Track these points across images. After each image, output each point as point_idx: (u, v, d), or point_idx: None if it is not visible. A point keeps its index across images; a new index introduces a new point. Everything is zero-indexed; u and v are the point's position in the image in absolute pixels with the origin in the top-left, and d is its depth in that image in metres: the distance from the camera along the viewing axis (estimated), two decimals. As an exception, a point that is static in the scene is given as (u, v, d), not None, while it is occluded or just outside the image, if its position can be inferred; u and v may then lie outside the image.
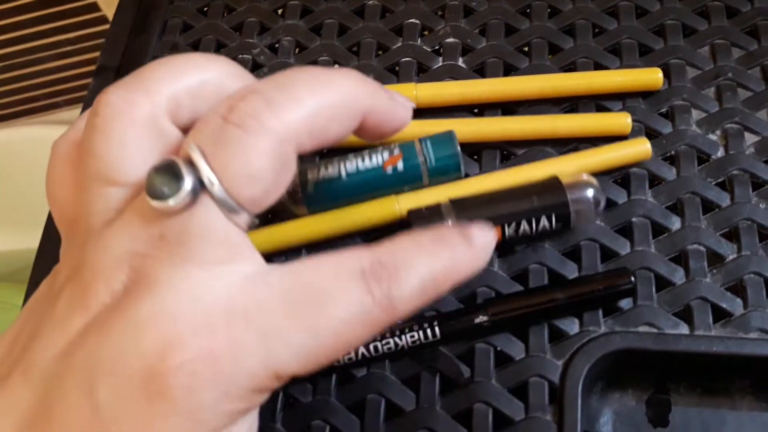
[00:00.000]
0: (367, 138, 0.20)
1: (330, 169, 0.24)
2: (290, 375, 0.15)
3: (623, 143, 0.26)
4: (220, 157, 0.14)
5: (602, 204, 0.24)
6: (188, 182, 0.14)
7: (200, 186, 0.14)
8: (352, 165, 0.24)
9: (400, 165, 0.24)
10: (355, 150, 0.25)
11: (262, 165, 0.15)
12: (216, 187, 0.14)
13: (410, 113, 0.20)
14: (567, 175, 0.24)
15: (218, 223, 0.15)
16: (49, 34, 0.98)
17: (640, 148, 0.26)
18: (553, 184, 0.24)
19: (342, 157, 0.25)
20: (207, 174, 0.14)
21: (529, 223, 0.23)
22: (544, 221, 0.23)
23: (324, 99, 0.16)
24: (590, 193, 0.24)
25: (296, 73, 0.16)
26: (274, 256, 0.25)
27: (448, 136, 0.25)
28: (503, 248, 0.25)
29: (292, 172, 0.16)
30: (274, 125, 0.15)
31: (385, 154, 0.25)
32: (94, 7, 0.95)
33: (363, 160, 0.24)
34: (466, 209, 0.24)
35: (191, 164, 0.14)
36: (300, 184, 0.24)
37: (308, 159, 0.25)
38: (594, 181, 0.24)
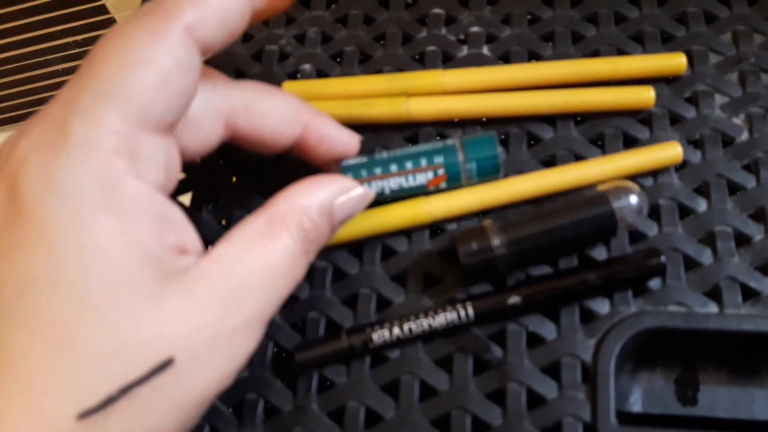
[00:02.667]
0: (317, 157, 0.24)
1: (374, 187, 0.24)
2: None
3: (655, 147, 0.26)
4: None
5: (645, 210, 0.24)
6: None
7: None
8: (396, 183, 0.24)
9: (443, 185, 0.25)
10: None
11: None
12: None
13: (357, 142, 0.24)
14: (607, 183, 0.24)
15: None
16: (57, 36, 0.99)
17: (672, 152, 0.26)
18: (597, 199, 0.24)
19: (385, 173, 0.24)
20: None
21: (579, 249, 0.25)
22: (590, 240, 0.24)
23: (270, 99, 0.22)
24: (634, 200, 0.24)
25: (252, 83, 0.23)
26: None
27: (491, 141, 0.25)
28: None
29: None
30: None
31: (429, 174, 0.24)
32: (103, 10, 0.95)
33: (407, 179, 0.24)
34: (510, 229, 0.24)
35: None
36: None
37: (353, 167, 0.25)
38: (636, 187, 0.24)
